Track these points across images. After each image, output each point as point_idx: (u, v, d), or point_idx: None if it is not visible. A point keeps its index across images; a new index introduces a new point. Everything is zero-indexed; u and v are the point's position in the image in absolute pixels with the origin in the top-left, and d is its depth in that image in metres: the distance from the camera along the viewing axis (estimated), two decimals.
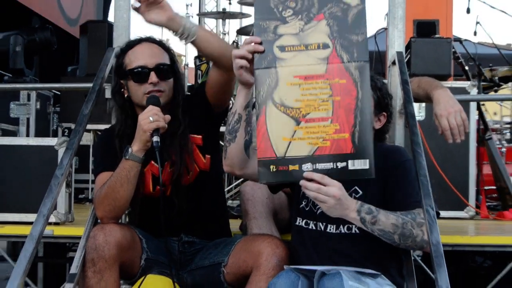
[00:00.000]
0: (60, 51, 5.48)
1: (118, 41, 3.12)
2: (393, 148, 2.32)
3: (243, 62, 2.02)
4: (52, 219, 3.05)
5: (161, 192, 2.30)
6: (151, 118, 2.21)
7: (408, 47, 4.09)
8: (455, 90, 2.56)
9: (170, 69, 2.42)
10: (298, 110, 1.96)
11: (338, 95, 1.96)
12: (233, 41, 6.44)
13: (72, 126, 4.70)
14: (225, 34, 6.08)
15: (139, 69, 2.38)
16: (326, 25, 2.00)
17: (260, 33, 2.02)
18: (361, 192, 2.20)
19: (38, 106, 4.75)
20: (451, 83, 4.07)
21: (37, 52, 4.95)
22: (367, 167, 1.94)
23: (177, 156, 2.40)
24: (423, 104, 3.89)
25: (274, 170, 1.94)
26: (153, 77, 2.36)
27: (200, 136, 2.46)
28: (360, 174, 1.96)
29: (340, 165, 1.94)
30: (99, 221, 2.38)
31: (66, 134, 4.98)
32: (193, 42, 2.27)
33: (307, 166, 1.94)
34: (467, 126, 2.44)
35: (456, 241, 2.90)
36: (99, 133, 4.67)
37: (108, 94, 3.09)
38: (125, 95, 2.45)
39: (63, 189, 3.08)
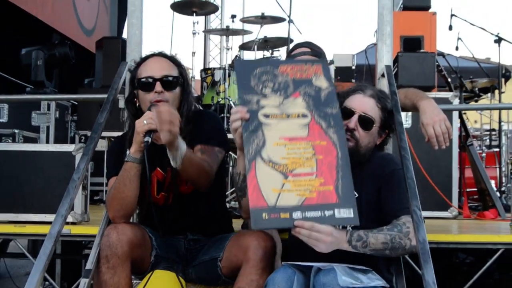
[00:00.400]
0: (78, 65, 5.48)
1: (131, 56, 3.12)
2: (387, 157, 2.31)
3: (241, 130, 2.03)
4: (70, 219, 3.04)
5: (148, 188, 2.25)
6: (145, 121, 2.20)
7: (395, 61, 4.08)
8: (438, 100, 2.54)
9: (176, 81, 2.41)
10: (285, 166, 2.00)
11: (320, 154, 2.02)
12: (236, 55, 6.44)
13: (88, 133, 4.70)
14: (228, 49, 6.06)
15: (146, 79, 2.38)
16: (303, 101, 2.10)
17: (245, 103, 2.07)
18: (357, 195, 2.19)
19: (57, 115, 4.76)
20: (435, 93, 4.06)
21: (56, 65, 4.95)
22: (351, 215, 1.97)
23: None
24: (410, 113, 3.89)
25: (266, 217, 1.94)
26: (157, 86, 2.35)
27: None
28: (347, 221, 1.99)
29: (327, 213, 1.97)
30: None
31: (82, 141, 4.97)
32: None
33: (297, 214, 1.95)
34: (451, 134, 2.42)
35: (441, 239, 2.89)
36: (112, 139, 4.67)
37: (121, 104, 3.09)
38: (137, 104, 2.45)
39: (80, 191, 3.08)
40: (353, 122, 2.22)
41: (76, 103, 5.19)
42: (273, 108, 2.07)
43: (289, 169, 2.00)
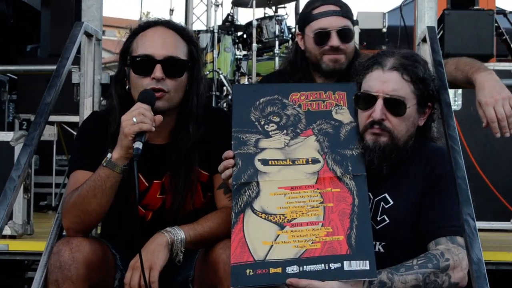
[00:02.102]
0: (18, 27, 5.46)
1: (88, 14, 3.11)
2: (438, 153, 2.29)
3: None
4: (7, 231, 3.05)
5: (136, 206, 2.25)
6: (134, 119, 2.14)
7: (441, 21, 4.07)
8: (498, 73, 2.52)
9: (183, 64, 2.36)
10: (283, 216, 2.10)
11: (330, 202, 2.12)
12: (228, 14, 6.42)
13: (32, 117, 4.69)
14: (218, 5, 6.06)
15: (143, 58, 2.31)
16: (316, 141, 2.19)
17: (239, 146, 2.17)
18: (391, 202, 2.21)
19: None
20: (494, 64, 4.05)
21: None
22: (367, 268, 2.01)
23: (177, 192, 2.37)
24: (459, 91, 3.88)
25: (251, 273, 2.01)
26: (157, 71, 2.29)
27: (207, 173, 2.43)
28: (359, 275, 2.01)
29: (333, 266, 2.02)
30: (64, 233, 2.36)
31: (24, 127, 4.96)
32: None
33: (292, 269, 2.01)
34: None
35: (501, 258, 2.90)
36: (64, 125, 4.67)
37: (75, 78, 3.08)
38: (126, 87, 2.38)
39: (20, 194, 3.08)
40: (378, 110, 2.19)
41: (15, 77, 5.18)
42: (275, 152, 2.17)
43: (287, 219, 2.09)
